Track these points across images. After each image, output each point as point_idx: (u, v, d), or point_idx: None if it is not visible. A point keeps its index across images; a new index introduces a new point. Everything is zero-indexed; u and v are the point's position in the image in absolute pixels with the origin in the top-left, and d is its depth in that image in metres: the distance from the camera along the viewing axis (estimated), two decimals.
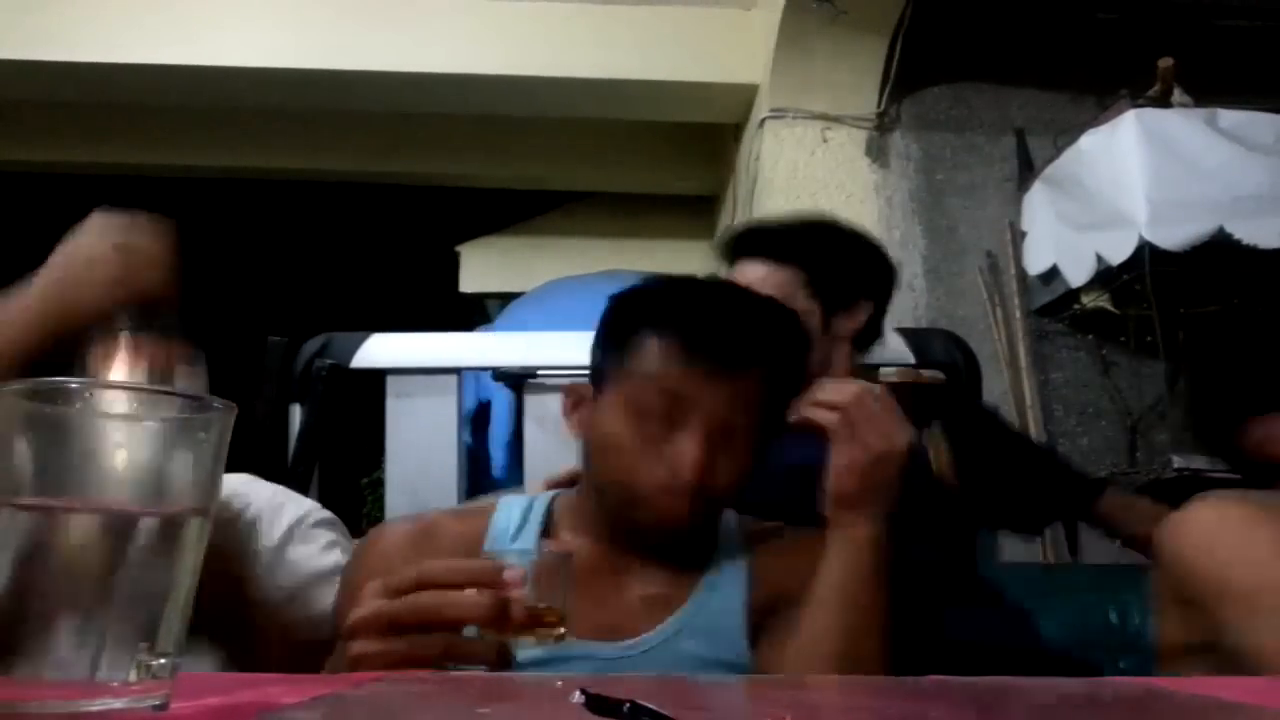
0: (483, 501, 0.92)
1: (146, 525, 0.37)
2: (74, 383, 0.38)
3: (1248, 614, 0.81)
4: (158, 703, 0.37)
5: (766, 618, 0.79)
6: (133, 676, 0.36)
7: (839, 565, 0.74)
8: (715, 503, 0.81)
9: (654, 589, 0.80)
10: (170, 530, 0.38)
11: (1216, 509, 0.92)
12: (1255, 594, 0.81)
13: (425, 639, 0.54)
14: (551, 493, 0.89)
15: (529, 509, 0.85)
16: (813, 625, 0.73)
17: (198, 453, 0.39)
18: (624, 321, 0.83)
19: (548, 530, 0.84)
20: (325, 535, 0.95)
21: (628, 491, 0.77)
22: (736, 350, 0.79)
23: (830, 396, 0.78)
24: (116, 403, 0.40)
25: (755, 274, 1.11)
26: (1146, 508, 1.26)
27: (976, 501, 1.16)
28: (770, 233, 1.19)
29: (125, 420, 0.39)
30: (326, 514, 0.99)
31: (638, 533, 0.79)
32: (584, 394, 0.84)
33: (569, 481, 0.97)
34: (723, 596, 0.80)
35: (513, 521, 0.83)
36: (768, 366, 0.80)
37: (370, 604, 0.55)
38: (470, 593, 0.54)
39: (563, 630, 0.57)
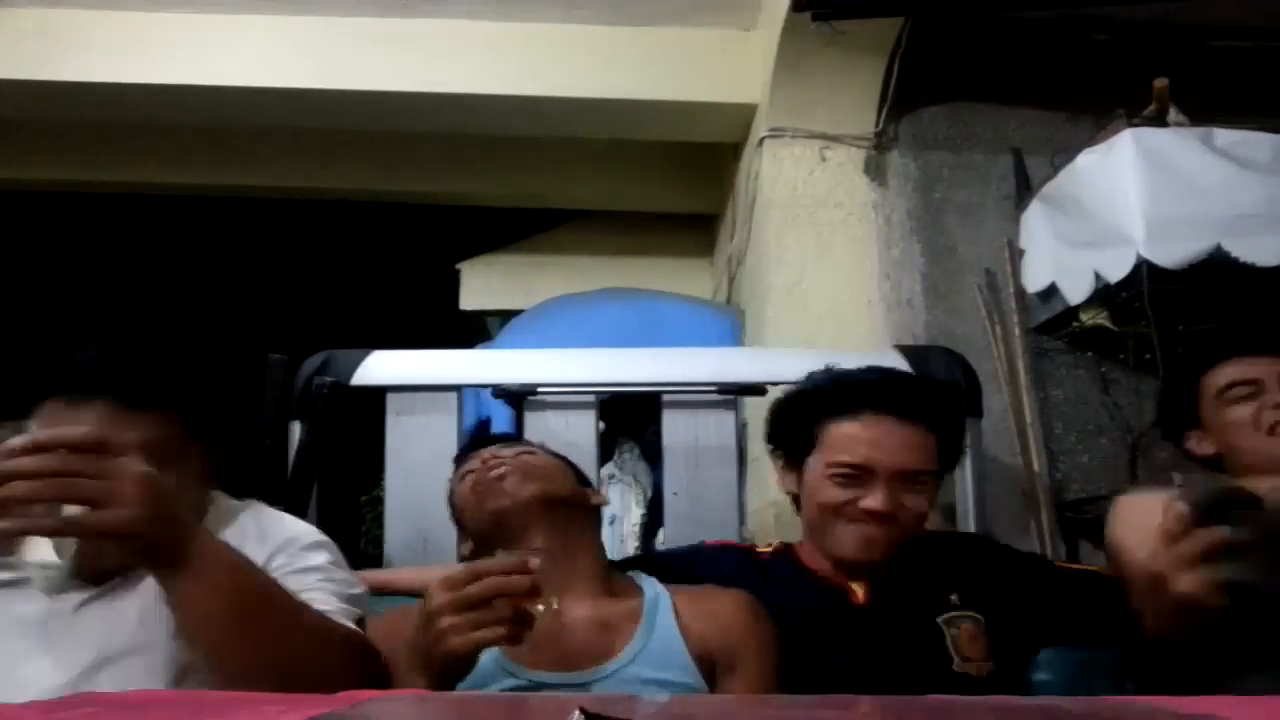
0: None
1: None
2: None
3: (1135, 594, 0.98)
4: None
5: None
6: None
7: None
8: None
9: (599, 623, 1.00)
10: None
11: (1127, 503, 1.12)
12: (1136, 577, 0.97)
13: (494, 612, 0.74)
14: None
15: None
16: None
17: None
18: None
19: None
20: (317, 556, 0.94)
21: None
22: None
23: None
24: None
25: (903, 432, 1.13)
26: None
27: (1012, 674, 1.13)
28: (912, 390, 1.19)
29: None
30: (321, 537, 0.98)
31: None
32: None
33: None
34: (661, 625, 0.98)
35: None
36: None
37: (442, 594, 0.75)
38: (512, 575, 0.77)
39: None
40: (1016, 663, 1.16)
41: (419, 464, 1.65)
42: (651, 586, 1.06)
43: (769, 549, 1.26)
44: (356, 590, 0.93)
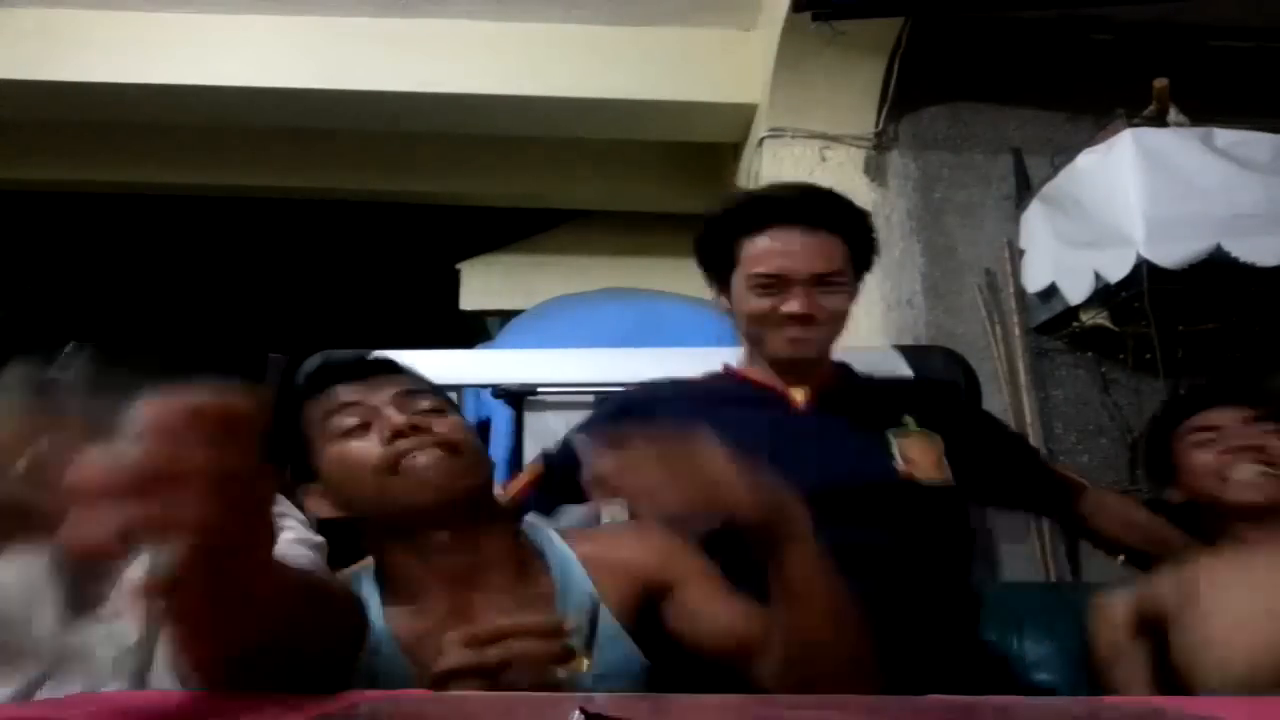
0: None
1: None
2: None
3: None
4: None
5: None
6: None
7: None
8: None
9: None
10: None
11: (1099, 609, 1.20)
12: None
13: (513, 677, 0.64)
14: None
15: None
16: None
17: None
18: None
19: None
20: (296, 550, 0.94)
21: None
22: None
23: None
24: None
25: (809, 239, 1.19)
26: (1117, 508, 1.36)
27: (966, 488, 1.19)
28: (813, 201, 1.25)
29: None
30: (310, 535, 0.97)
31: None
32: None
33: None
34: (576, 603, 0.85)
35: None
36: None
37: (459, 653, 0.65)
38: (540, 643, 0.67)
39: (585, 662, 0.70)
40: (969, 487, 1.20)
41: None
42: (554, 550, 0.91)
43: (705, 375, 1.33)
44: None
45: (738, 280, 1.24)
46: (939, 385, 1.59)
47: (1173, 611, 1.13)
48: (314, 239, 4.47)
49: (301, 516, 0.95)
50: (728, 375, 1.31)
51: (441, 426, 0.86)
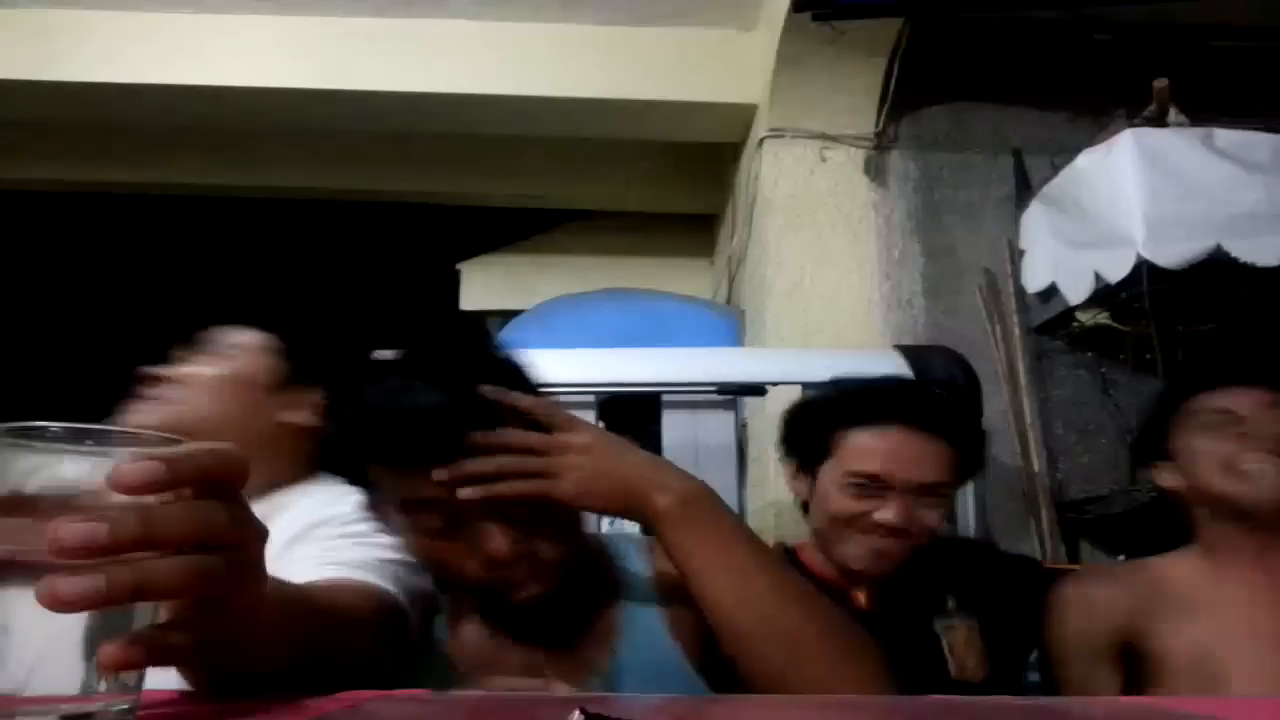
0: None
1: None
2: (52, 426, 0.40)
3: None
4: (125, 707, 0.40)
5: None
6: (102, 686, 0.39)
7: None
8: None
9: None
10: None
11: (1063, 590, 1.15)
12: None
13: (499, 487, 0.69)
14: None
15: None
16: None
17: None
18: None
19: None
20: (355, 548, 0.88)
21: None
22: None
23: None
24: (93, 440, 0.41)
25: (921, 444, 1.11)
26: None
27: (1005, 678, 1.12)
28: (931, 403, 1.17)
29: (103, 456, 0.40)
30: (362, 527, 0.86)
31: None
32: None
33: None
34: (643, 624, 0.81)
35: None
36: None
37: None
38: None
39: None
40: (1011, 665, 1.16)
41: None
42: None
43: None
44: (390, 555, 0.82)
45: (829, 472, 1.14)
46: (970, 548, 1.46)
47: (1158, 618, 1.08)
48: (314, 239, 4.47)
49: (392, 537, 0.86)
50: (791, 558, 1.22)
51: None
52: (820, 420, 1.17)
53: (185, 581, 0.38)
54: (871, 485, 1.10)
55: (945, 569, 1.19)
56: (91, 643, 0.38)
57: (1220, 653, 1.01)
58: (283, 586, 0.56)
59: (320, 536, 0.85)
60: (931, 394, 1.20)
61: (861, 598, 1.16)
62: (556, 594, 0.76)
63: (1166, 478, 1.13)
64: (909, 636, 1.11)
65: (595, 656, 0.80)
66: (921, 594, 1.15)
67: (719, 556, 0.71)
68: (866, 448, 1.11)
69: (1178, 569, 1.11)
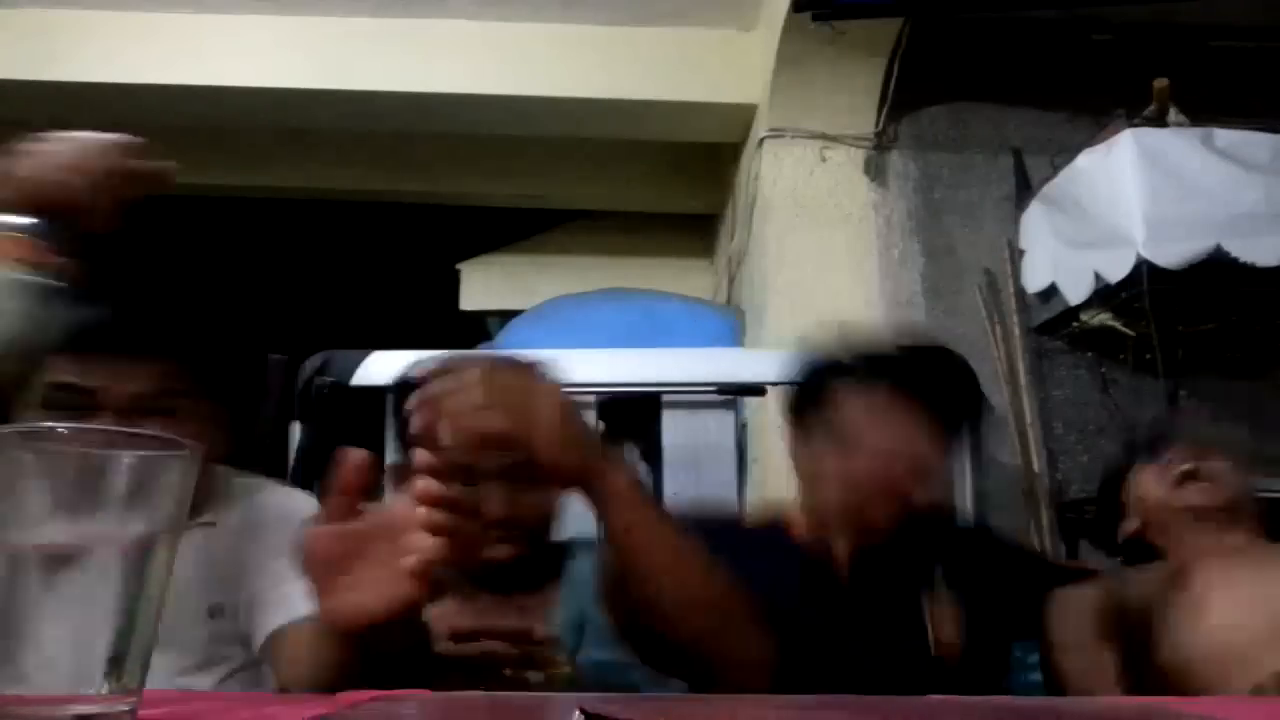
0: None
1: (120, 550, 0.40)
2: (58, 427, 0.41)
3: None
4: (126, 708, 0.40)
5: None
6: (105, 689, 0.39)
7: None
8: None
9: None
10: (140, 554, 0.41)
11: (1063, 603, 1.19)
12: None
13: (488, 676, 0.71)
14: None
15: None
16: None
17: (168, 485, 0.42)
18: None
19: None
20: None
21: None
22: None
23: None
24: (94, 440, 0.42)
25: (915, 411, 1.12)
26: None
27: (987, 658, 1.13)
28: (924, 368, 1.19)
29: (103, 458, 0.41)
30: None
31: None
32: None
33: None
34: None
35: None
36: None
37: (444, 645, 0.71)
38: None
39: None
40: (994, 646, 1.16)
41: None
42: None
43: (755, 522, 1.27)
44: None
45: (823, 426, 1.15)
46: (968, 529, 1.47)
47: (1159, 609, 1.12)
48: (314, 239, 4.47)
49: None
50: (782, 530, 1.22)
51: None
52: (824, 377, 1.19)
53: None
54: (850, 446, 1.12)
55: (935, 544, 1.20)
56: (92, 644, 0.38)
57: (1220, 648, 1.06)
58: None
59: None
60: (926, 355, 1.22)
61: (843, 567, 1.16)
62: (529, 554, 0.90)
63: (1128, 526, 1.29)
64: (890, 607, 1.12)
65: (551, 601, 0.93)
66: (907, 566, 1.16)
67: (659, 534, 0.78)
68: (857, 410, 1.13)
69: (1164, 575, 1.19)
